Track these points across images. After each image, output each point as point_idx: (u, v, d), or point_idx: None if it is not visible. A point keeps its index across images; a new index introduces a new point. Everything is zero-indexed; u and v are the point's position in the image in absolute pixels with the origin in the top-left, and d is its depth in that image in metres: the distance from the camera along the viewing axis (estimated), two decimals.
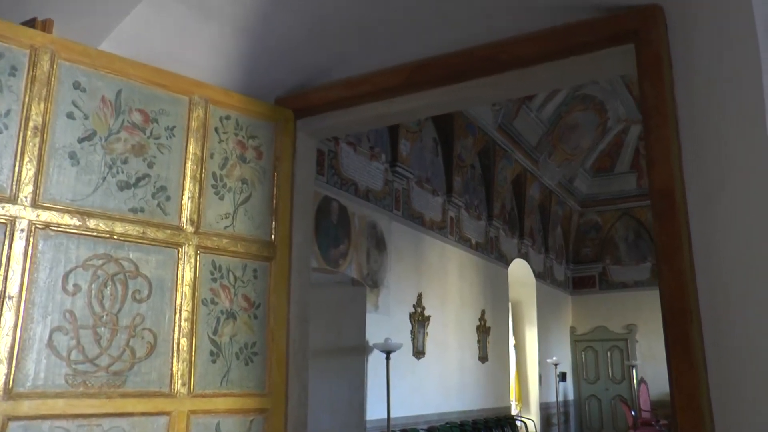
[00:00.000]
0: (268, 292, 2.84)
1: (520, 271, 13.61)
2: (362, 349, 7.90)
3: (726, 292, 2.16)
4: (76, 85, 2.47)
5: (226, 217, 2.76)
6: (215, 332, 2.65)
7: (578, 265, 16.25)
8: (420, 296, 9.60)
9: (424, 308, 9.62)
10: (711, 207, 2.23)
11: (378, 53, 3.03)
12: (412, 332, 9.28)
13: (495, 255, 12.30)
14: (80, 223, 2.41)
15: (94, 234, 2.42)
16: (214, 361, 2.63)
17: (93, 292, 2.40)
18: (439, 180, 10.63)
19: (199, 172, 2.70)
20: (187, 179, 2.67)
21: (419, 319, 9.50)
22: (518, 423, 11.83)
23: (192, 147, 2.70)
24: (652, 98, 2.41)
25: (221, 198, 2.77)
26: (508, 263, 12.81)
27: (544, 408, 13.70)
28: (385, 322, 8.53)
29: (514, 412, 12.80)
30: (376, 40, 3.05)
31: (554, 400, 14.16)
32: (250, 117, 2.95)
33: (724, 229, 2.19)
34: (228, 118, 2.86)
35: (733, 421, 2.10)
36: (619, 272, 15.82)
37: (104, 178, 2.47)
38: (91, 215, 2.43)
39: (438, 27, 2.91)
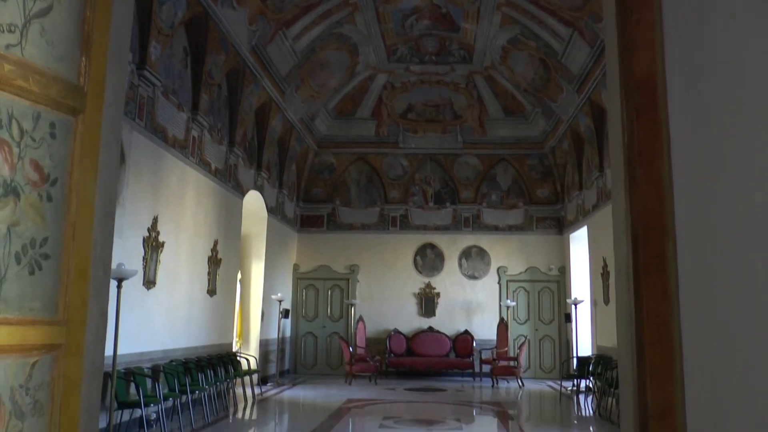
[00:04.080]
0: (70, 163, 1.81)
1: (253, 204, 13.02)
2: None
3: (712, 208, 1.82)
4: None
5: (11, 31, 1.66)
6: None
7: (308, 204, 16.10)
8: (156, 219, 8.50)
9: (159, 233, 8.55)
10: (701, 106, 1.86)
11: None
12: (145, 259, 8.18)
13: (232, 184, 11.52)
14: None
15: None
16: None
17: None
18: (185, 94, 9.49)
19: None
20: None
21: (153, 245, 8.40)
22: (240, 360, 11.32)
23: None
24: None
25: None
26: (243, 194, 12.11)
27: (263, 344, 13.40)
28: (118, 246, 7.30)
29: (235, 348, 12.26)
30: None
31: (274, 336, 13.93)
32: None
33: (718, 134, 1.83)
34: None
35: (705, 361, 1.78)
36: (347, 214, 16.02)
37: None
38: None
39: None
